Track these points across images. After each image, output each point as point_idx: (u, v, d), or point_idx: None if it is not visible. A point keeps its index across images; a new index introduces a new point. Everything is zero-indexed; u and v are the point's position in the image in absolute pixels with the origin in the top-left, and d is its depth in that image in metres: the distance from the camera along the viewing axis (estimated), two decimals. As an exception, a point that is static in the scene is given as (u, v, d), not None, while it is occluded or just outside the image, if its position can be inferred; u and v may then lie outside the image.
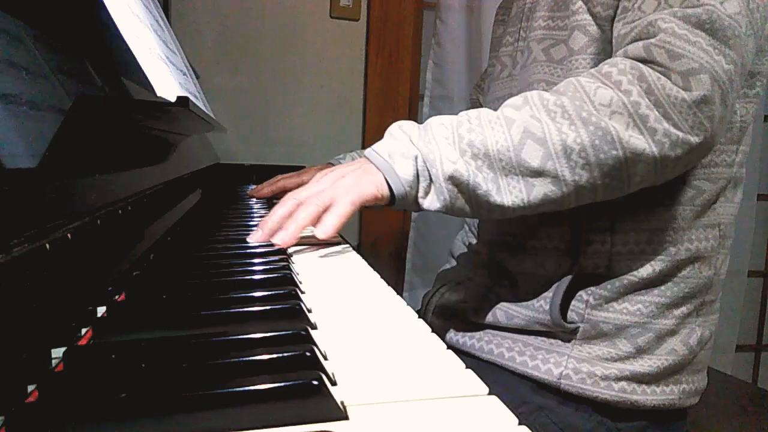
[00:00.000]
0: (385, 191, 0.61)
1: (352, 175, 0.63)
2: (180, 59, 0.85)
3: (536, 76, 0.75)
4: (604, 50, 0.70)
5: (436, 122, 0.63)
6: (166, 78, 0.63)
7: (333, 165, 1.05)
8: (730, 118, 0.69)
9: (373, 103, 1.66)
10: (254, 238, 0.63)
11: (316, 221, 0.61)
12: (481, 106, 1.02)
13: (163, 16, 0.90)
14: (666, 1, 0.60)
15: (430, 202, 0.61)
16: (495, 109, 0.63)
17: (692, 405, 0.74)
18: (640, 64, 0.58)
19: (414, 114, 1.72)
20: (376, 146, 0.63)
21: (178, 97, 0.54)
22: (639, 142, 0.57)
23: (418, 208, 0.63)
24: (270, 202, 1.04)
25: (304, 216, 0.61)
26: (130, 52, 0.50)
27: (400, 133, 0.63)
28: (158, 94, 0.54)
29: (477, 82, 1.12)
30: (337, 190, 0.62)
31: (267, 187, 1.07)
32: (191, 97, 0.62)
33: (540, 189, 0.59)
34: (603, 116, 0.57)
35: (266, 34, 1.55)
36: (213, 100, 1.28)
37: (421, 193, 0.61)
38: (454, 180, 0.59)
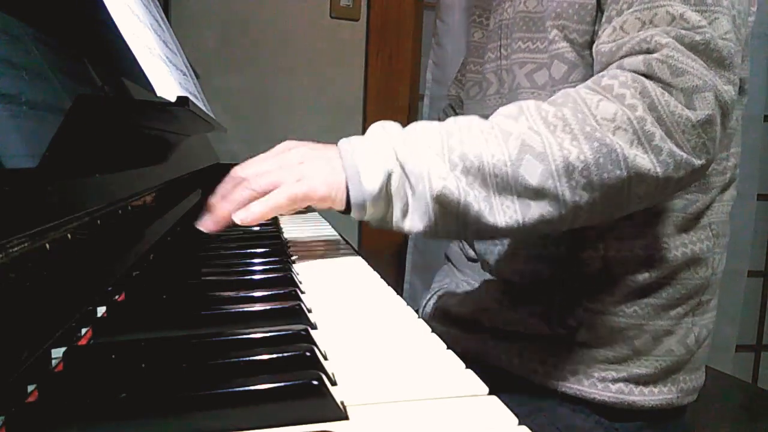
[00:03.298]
0: (341, 197, 0.54)
1: (311, 165, 0.55)
2: (180, 59, 0.85)
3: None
4: (585, 76, 0.67)
5: (420, 129, 0.56)
6: (166, 78, 0.63)
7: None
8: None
9: (373, 103, 1.66)
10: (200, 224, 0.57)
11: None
12: (461, 102, 0.99)
13: (163, 16, 0.90)
14: (651, 21, 0.56)
15: (411, 223, 0.55)
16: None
17: (690, 403, 0.74)
18: (643, 78, 0.54)
19: (414, 114, 1.72)
20: (355, 141, 0.56)
21: (178, 97, 0.54)
22: (643, 161, 0.53)
23: (387, 227, 0.56)
24: None
25: (235, 198, 0.54)
26: (130, 52, 0.50)
27: (383, 135, 0.56)
28: (158, 94, 0.54)
29: (456, 76, 1.06)
30: (282, 175, 0.54)
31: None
32: (191, 97, 0.62)
33: (536, 209, 0.54)
34: (607, 132, 0.52)
35: (266, 34, 1.55)
36: (213, 100, 1.28)
37: (397, 214, 0.55)
38: (441, 198, 0.53)
